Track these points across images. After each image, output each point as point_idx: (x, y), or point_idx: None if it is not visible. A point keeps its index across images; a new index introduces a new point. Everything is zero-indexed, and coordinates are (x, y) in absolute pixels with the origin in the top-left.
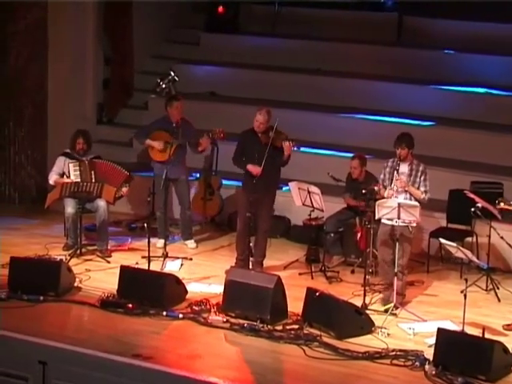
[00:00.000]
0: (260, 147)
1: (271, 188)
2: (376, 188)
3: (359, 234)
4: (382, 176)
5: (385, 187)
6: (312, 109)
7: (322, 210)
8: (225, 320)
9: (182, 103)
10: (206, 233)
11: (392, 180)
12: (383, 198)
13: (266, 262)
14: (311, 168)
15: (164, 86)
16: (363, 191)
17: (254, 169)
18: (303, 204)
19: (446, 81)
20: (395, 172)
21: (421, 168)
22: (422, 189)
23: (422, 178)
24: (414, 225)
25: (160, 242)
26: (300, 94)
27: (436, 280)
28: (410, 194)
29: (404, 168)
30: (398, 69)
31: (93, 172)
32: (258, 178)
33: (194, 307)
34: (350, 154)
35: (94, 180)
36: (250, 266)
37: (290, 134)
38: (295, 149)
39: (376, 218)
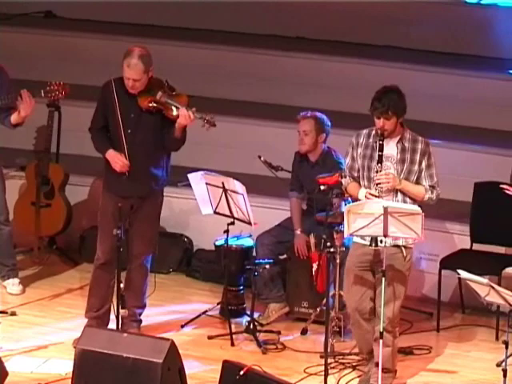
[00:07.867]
0: (138, 115)
1: (154, 186)
2: (344, 181)
3: (315, 265)
4: (347, 160)
5: (355, 180)
6: (239, 41)
7: (250, 223)
8: None
9: None
10: (41, 266)
11: (369, 172)
12: (357, 199)
13: (149, 318)
14: (231, 147)
15: None
16: (321, 187)
17: (117, 161)
18: (215, 212)
19: None
20: (377, 160)
21: (420, 146)
22: (426, 183)
23: (425, 164)
24: (412, 247)
25: None
26: (212, 17)
27: (453, 344)
28: (404, 195)
29: (391, 149)
30: None
31: None
32: (130, 173)
33: None
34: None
35: None
36: (119, 325)
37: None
38: (206, 126)
39: (345, 234)
